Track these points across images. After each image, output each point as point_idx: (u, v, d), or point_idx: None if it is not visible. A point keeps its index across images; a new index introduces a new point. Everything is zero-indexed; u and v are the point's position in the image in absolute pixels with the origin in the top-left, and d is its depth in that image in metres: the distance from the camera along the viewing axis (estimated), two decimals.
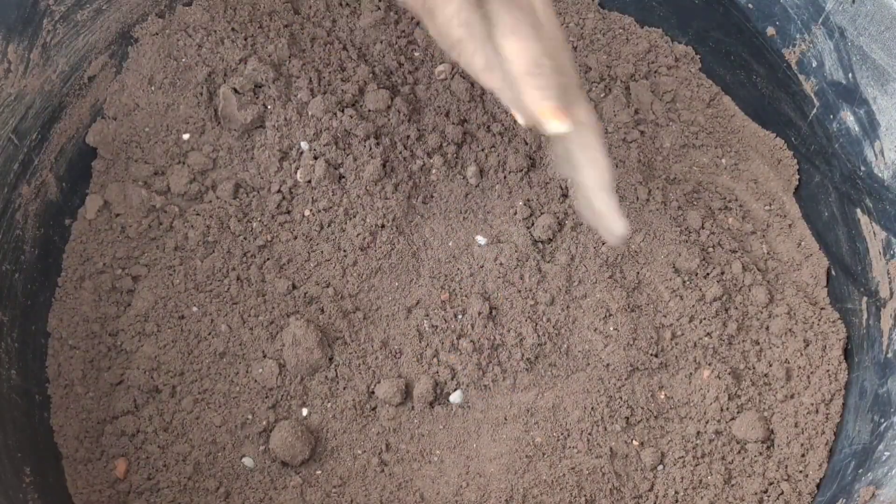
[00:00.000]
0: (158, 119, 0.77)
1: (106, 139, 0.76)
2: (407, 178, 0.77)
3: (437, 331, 0.73)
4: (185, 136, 0.77)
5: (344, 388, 0.71)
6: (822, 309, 0.75)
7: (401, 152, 0.77)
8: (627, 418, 0.71)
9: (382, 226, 0.75)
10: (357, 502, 0.68)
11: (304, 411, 0.71)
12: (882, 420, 0.66)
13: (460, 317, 0.73)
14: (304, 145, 0.77)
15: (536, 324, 0.73)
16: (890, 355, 0.69)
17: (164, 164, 0.76)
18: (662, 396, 0.72)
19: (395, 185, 0.76)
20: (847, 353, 0.74)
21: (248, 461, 0.69)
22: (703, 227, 0.78)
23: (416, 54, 0.82)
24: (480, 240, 0.76)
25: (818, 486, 0.69)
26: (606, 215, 0.61)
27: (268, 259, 0.75)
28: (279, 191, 0.76)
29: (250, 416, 0.70)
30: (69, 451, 0.69)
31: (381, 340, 0.73)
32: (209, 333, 0.72)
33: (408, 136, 0.78)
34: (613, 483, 0.69)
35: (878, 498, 0.61)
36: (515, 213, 0.76)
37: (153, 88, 0.77)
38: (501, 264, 0.75)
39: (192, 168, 0.76)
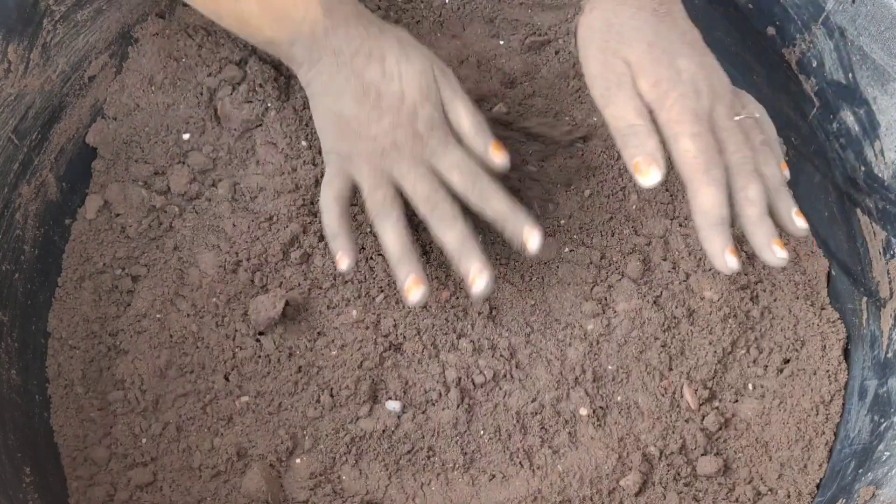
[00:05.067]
0: (158, 119, 0.77)
1: (106, 139, 0.76)
2: None
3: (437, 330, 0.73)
4: (186, 136, 0.77)
5: None
6: (822, 309, 0.75)
7: None
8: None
9: None
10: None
11: None
12: (882, 420, 0.66)
13: (461, 316, 0.73)
14: (304, 144, 0.77)
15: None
16: (890, 355, 0.69)
17: (164, 164, 0.76)
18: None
19: None
20: (847, 353, 0.74)
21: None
22: None
23: None
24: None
25: (818, 486, 0.70)
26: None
27: None
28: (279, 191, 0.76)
29: None
30: (69, 451, 0.69)
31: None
32: None
33: None
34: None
35: (878, 498, 0.61)
36: None
37: (153, 88, 0.77)
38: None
39: (193, 168, 0.76)
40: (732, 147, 0.61)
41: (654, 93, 0.61)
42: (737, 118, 0.63)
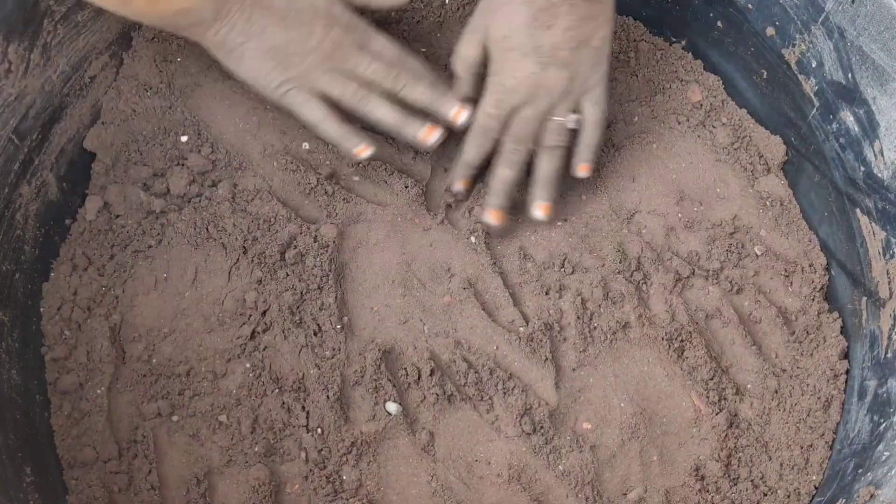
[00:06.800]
0: (156, 122, 0.77)
1: (104, 143, 0.76)
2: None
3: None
4: (184, 139, 0.77)
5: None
6: (822, 309, 0.76)
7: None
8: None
9: None
10: None
11: None
12: (882, 420, 0.67)
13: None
14: (305, 145, 0.77)
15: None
16: (890, 355, 0.69)
17: (163, 166, 0.76)
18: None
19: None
20: (847, 354, 0.74)
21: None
22: None
23: (423, 51, 0.82)
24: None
25: (818, 486, 0.70)
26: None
27: None
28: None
29: None
30: (69, 451, 0.69)
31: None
32: None
33: None
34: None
35: (878, 498, 0.61)
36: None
37: (149, 93, 0.77)
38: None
39: (192, 169, 0.76)
40: (506, 138, 0.73)
41: (488, 78, 0.73)
42: (554, 119, 0.72)
